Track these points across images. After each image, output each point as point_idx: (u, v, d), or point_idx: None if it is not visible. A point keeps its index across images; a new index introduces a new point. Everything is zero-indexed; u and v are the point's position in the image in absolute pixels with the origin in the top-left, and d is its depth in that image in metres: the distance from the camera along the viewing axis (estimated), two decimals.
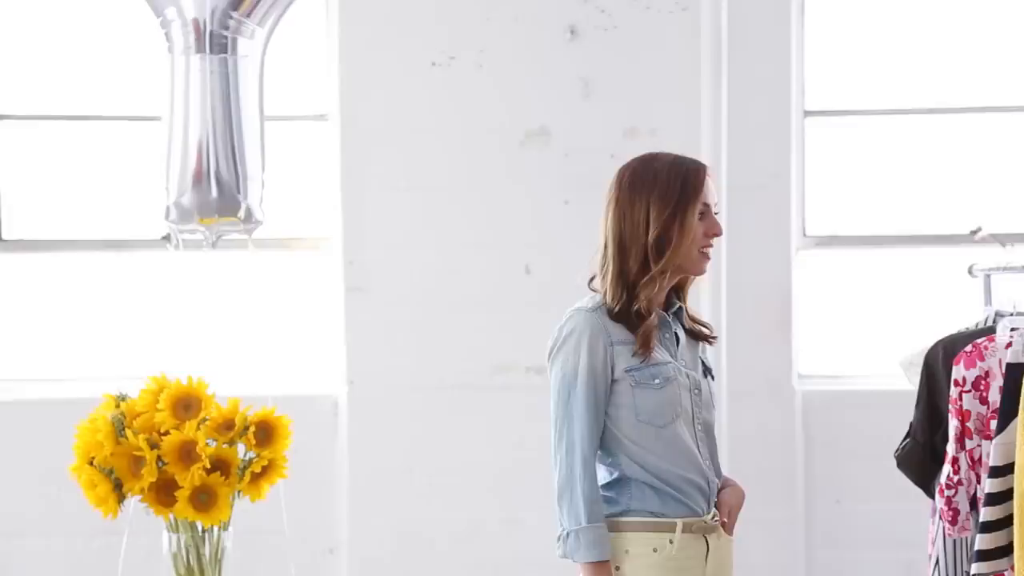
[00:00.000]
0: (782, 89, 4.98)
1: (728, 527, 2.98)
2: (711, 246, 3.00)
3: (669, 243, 2.93)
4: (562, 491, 2.90)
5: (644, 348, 2.91)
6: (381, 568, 5.08)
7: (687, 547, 2.91)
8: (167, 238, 4.33)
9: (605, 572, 2.87)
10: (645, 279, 2.93)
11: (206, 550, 3.51)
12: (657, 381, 2.92)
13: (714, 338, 3.07)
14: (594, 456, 2.91)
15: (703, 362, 3.06)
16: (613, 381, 2.92)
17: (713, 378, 3.08)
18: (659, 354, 2.94)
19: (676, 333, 3.01)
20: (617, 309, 2.94)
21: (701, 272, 3.01)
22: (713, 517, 2.96)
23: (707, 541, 2.93)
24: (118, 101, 5.05)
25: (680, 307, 3.03)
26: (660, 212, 2.93)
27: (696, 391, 2.98)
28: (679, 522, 2.89)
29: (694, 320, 3.07)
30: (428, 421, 5.07)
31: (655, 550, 2.88)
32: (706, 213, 2.98)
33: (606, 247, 2.97)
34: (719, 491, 3.00)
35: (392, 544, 5.09)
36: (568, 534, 2.87)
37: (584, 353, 2.91)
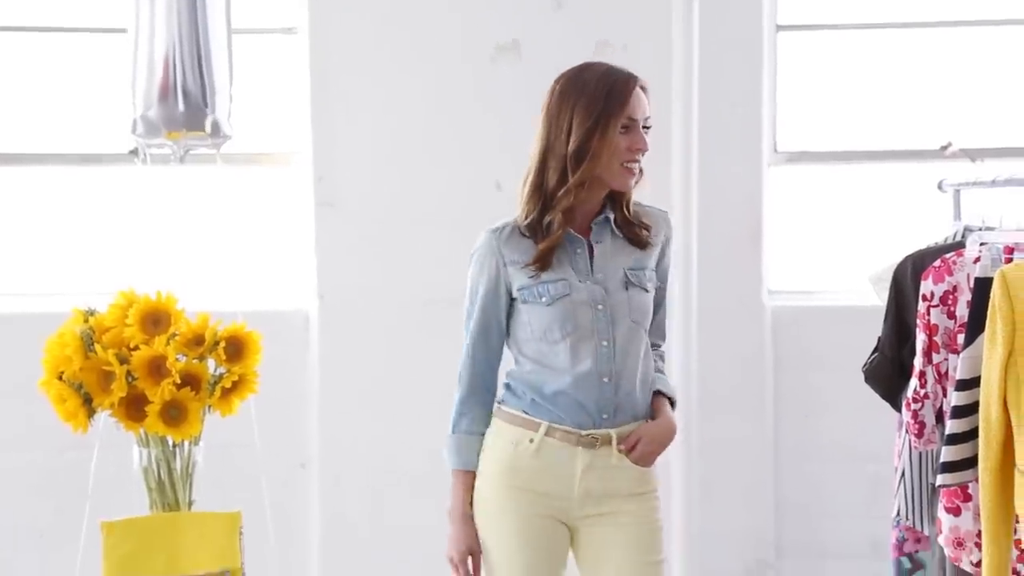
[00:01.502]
0: (754, 2, 4.94)
1: (635, 455, 2.96)
2: (636, 161, 2.95)
3: (587, 154, 2.90)
4: (455, 398, 3.07)
5: (537, 264, 2.94)
6: (352, 483, 5.10)
7: (552, 453, 2.94)
8: (135, 152, 4.29)
9: (462, 482, 2.99)
10: (561, 191, 2.92)
11: (177, 464, 3.52)
12: (545, 299, 2.95)
13: (647, 244, 3.00)
14: (479, 372, 3.01)
15: (629, 273, 2.99)
16: (512, 300, 2.99)
17: (647, 290, 3.00)
18: (555, 271, 2.94)
19: (592, 245, 2.99)
20: (527, 223, 2.95)
21: (624, 188, 2.97)
22: (591, 436, 2.94)
23: (583, 455, 2.94)
24: (83, 12, 4.98)
25: (606, 217, 3.00)
26: (582, 122, 2.90)
27: (600, 306, 2.96)
28: (544, 424, 2.94)
29: (634, 224, 3.01)
30: (399, 336, 5.08)
31: (515, 443, 2.95)
32: (631, 127, 2.93)
33: (532, 158, 2.98)
34: (648, 419, 3.00)
35: (363, 459, 5.11)
36: (448, 439, 3.05)
37: (477, 274, 3.01)
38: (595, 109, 2.90)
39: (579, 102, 2.91)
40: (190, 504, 3.54)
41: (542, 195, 2.95)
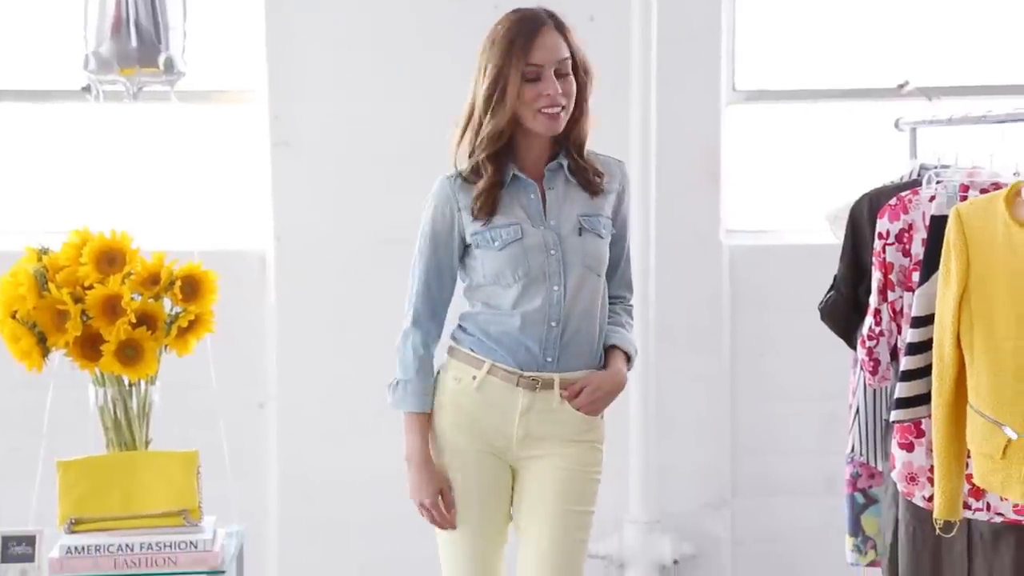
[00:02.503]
0: None
1: (579, 402, 2.97)
2: (554, 106, 2.94)
3: (493, 105, 2.93)
4: (398, 344, 3.05)
5: (480, 211, 2.95)
6: (310, 423, 5.10)
7: (493, 391, 2.96)
8: (87, 89, 4.24)
9: (417, 425, 2.99)
10: (479, 139, 2.93)
11: (133, 404, 3.50)
12: (497, 244, 2.96)
13: (600, 190, 3.01)
14: (430, 316, 3.02)
15: (583, 219, 2.99)
16: (467, 245, 3.00)
17: (601, 236, 3.01)
18: (507, 216, 2.95)
19: (544, 191, 2.98)
20: (468, 171, 2.96)
21: (550, 132, 2.97)
22: (532, 378, 2.95)
23: (524, 396, 2.95)
24: None
25: (559, 163, 3.00)
26: (489, 73, 2.94)
27: (553, 251, 2.96)
28: (487, 362, 2.96)
29: (588, 171, 3.02)
30: (356, 277, 5.06)
31: (458, 380, 2.98)
32: (540, 74, 2.92)
33: (464, 106, 3.01)
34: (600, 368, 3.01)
35: (321, 399, 5.11)
36: (396, 383, 3.04)
37: (429, 220, 3.02)
38: (498, 60, 2.93)
39: (490, 52, 2.95)
40: (147, 443, 3.52)
41: (471, 144, 2.99)
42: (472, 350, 2.99)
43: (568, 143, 2.99)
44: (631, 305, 3.15)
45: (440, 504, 2.98)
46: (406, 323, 3.05)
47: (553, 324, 2.93)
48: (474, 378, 2.97)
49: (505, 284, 2.94)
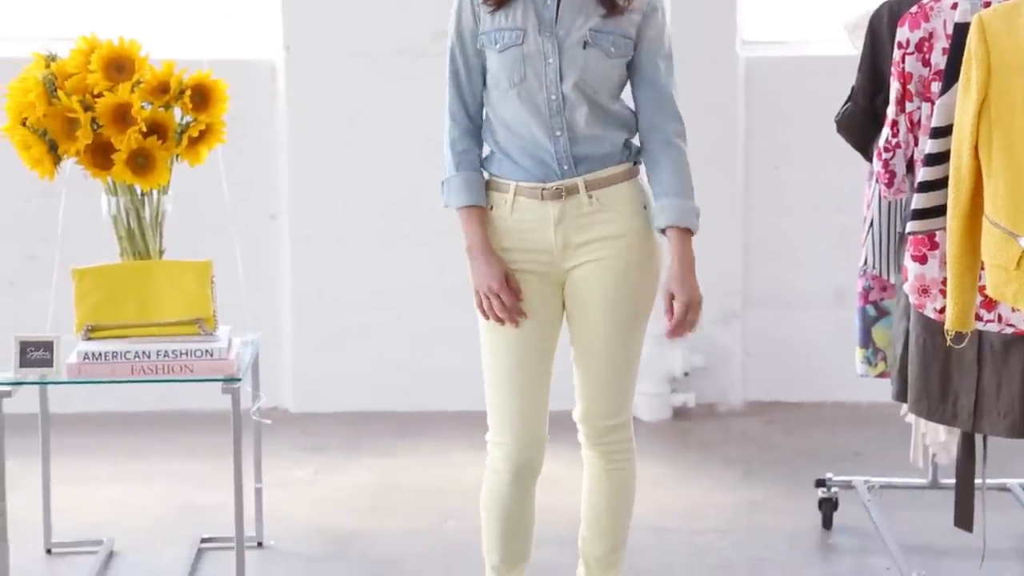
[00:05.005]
0: None
1: (686, 330, 2.99)
2: None
3: None
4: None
5: (492, 2, 2.92)
6: (323, 234, 5.12)
7: (525, 210, 2.95)
8: None
9: (473, 217, 2.96)
10: None
11: (146, 213, 3.50)
12: (498, 46, 2.94)
13: (620, 9, 2.91)
14: (463, 112, 2.99)
15: (592, 33, 2.91)
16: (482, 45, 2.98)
17: (610, 55, 2.93)
18: (515, 19, 2.91)
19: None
20: None
21: None
22: (556, 188, 2.92)
23: (553, 207, 2.94)
24: None
25: None
26: None
27: (550, 60, 2.91)
28: (512, 184, 2.95)
29: None
30: (367, 88, 5.02)
31: (491, 208, 2.98)
32: None
33: None
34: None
35: (332, 211, 5.12)
36: (443, 183, 3.01)
37: (455, 18, 2.99)
38: None
39: None
40: (161, 253, 3.53)
41: None
42: (497, 175, 2.98)
43: None
44: (676, 141, 3.00)
45: (507, 290, 2.94)
46: (445, 122, 3.02)
47: (558, 133, 2.92)
48: (505, 202, 2.97)
49: (503, 89, 2.93)
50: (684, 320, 2.98)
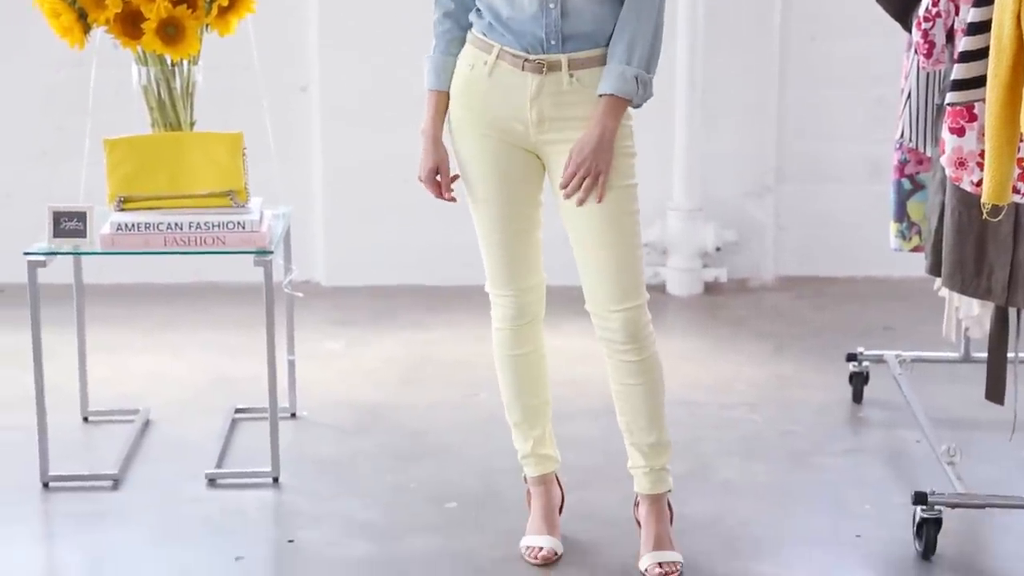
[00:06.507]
0: None
1: (578, 195, 2.90)
2: None
3: None
4: None
5: None
6: (351, 108, 5.09)
7: (503, 76, 2.93)
8: None
9: (433, 102, 3.00)
10: None
11: (177, 84, 3.49)
12: None
13: None
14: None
15: None
16: None
17: None
18: None
19: None
20: None
21: None
22: (538, 61, 2.88)
23: (532, 80, 2.91)
24: None
25: None
26: None
27: None
28: (496, 47, 2.93)
29: None
30: None
31: (471, 66, 2.97)
32: None
33: None
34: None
35: (363, 84, 5.08)
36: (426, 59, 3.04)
37: None
38: None
39: None
40: (192, 124, 3.52)
41: None
42: (483, 34, 2.95)
43: None
44: None
45: (436, 180, 3.01)
46: (435, 4, 3.00)
47: (551, 6, 2.87)
48: (485, 63, 2.94)
49: None
50: (571, 181, 2.90)
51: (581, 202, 2.91)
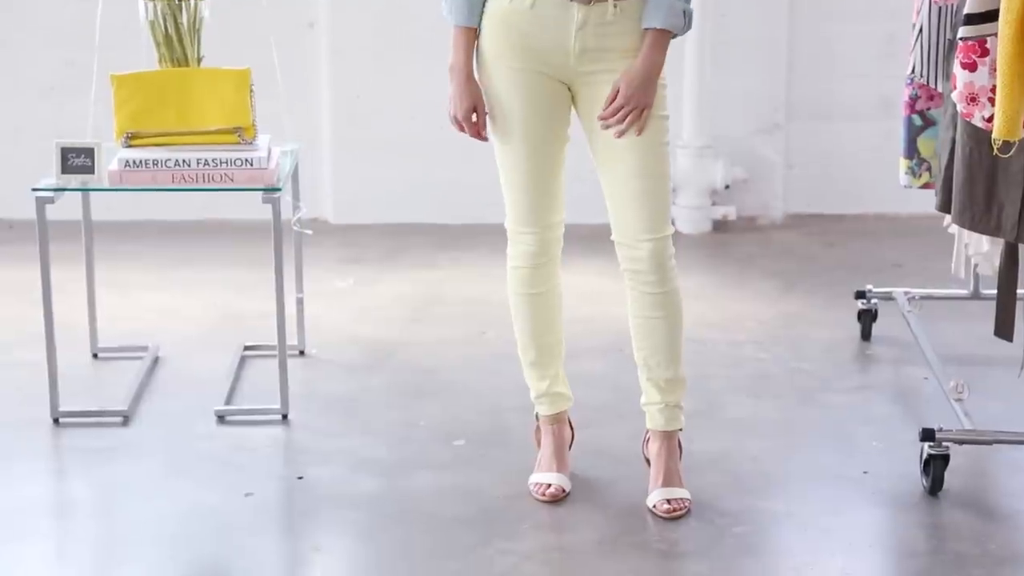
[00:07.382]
0: None
1: (616, 126, 2.89)
2: None
3: None
4: None
5: None
6: (361, 43, 5.06)
7: (547, 8, 2.90)
8: None
9: (463, 38, 2.95)
10: None
11: (183, 19, 3.47)
12: None
13: None
14: None
15: None
16: None
17: None
18: None
19: None
20: None
21: None
22: None
23: (578, 11, 2.89)
24: None
25: None
26: None
27: None
28: None
29: None
30: None
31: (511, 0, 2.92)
32: None
33: None
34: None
35: (371, 20, 5.05)
36: None
37: None
38: None
39: None
40: (199, 60, 3.50)
41: None
42: None
43: None
44: None
45: (472, 120, 2.97)
46: None
47: None
48: None
49: None
50: (617, 112, 2.89)
51: (621, 134, 2.91)
